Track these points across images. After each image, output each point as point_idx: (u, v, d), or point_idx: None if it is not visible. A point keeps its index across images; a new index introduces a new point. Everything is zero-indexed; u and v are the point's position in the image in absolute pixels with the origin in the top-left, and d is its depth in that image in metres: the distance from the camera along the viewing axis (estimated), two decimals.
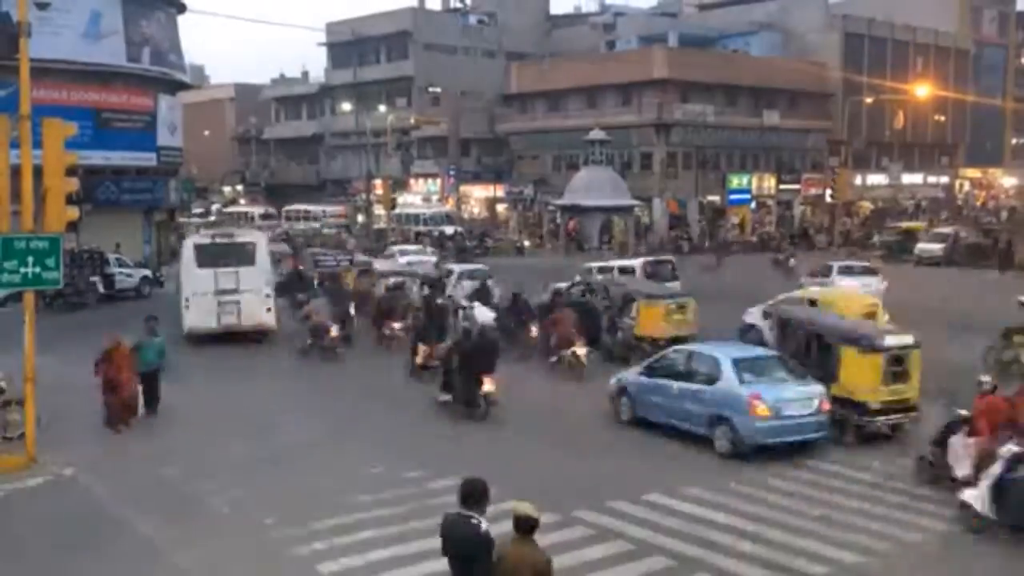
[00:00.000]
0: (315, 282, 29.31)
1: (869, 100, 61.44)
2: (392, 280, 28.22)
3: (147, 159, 44.78)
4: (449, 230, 55.68)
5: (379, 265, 33.45)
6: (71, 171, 14.92)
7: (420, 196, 74.04)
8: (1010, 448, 11.39)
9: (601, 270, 29.26)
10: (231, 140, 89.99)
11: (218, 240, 26.11)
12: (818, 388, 14.78)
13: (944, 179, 78.97)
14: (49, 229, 14.64)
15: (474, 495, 7.12)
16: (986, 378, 13.68)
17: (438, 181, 70.96)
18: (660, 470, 13.97)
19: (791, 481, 13.47)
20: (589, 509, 12.19)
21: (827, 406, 14.70)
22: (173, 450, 15.28)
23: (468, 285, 28.11)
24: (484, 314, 23.35)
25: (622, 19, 76.46)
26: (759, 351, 16.82)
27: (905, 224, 53.04)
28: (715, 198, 63.05)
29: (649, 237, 56.17)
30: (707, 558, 10.71)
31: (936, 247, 42.06)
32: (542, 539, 10.41)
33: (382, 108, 70.65)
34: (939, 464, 12.94)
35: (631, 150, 60.77)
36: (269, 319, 24.94)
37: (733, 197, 63.83)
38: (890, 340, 15.42)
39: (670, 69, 60.62)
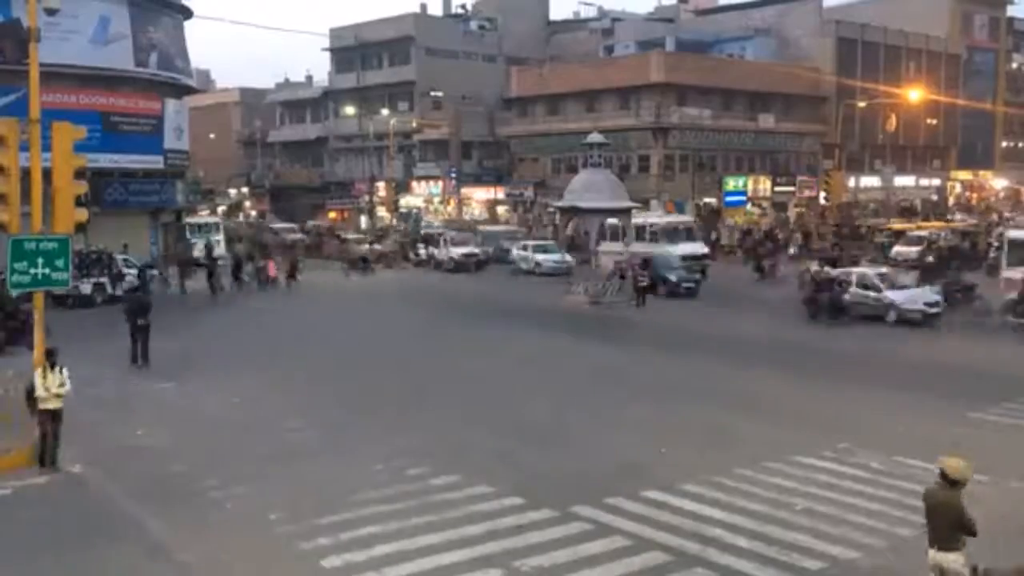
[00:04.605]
0: None
1: (862, 104, 62.11)
2: None
3: (154, 162, 45.48)
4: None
5: None
6: (80, 174, 14.98)
7: (422, 198, 75.21)
8: None
9: None
10: (236, 143, 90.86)
11: None
12: None
13: (936, 181, 79.82)
14: (58, 230, 14.72)
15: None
16: None
17: (440, 183, 71.93)
18: (658, 466, 14.08)
19: (786, 477, 13.52)
20: (587, 504, 12.27)
21: None
22: (179, 447, 15.44)
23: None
24: None
25: (620, 24, 77.19)
26: None
27: (897, 225, 53.69)
28: (711, 200, 64.04)
29: None
30: (704, 554, 10.78)
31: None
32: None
33: (384, 112, 71.70)
34: None
35: (629, 153, 61.52)
36: None
37: (729, 199, 64.85)
38: None
39: (667, 73, 61.47)
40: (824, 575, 10.37)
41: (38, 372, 14.15)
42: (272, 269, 40.60)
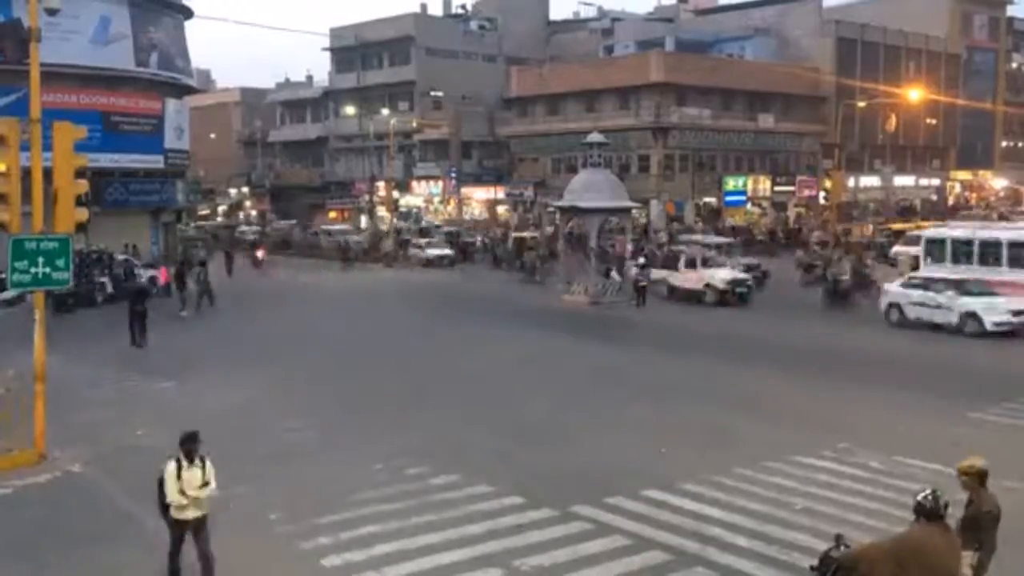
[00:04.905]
0: None
1: (862, 104, 62.11)
2: None
3: (155, 161, 45.60)
4: None
5: None
6: (80, 173, 15.00)
7: (422, 198, 75.26)
8: None
9: None
10: (237, 143, 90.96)
11: None
12: None
13: (935, 181, 79.89)
14: (59, 230, 14.74)
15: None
16: None
17: (440, 183, 71.98)
18: (658, 465, 14.10)
19: (786, 476, 13.56)
20: (587, 504, 12.31)
21: None
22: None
23: None
24: None
25: (620, 24, 77.28)
26: None
27: (897, 225, 53.69)
28: (711, 200, 64.10)
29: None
30: (704, 553, 10.81)
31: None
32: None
33: (385, 112, 71.65)
34: None
35: (629, 153, 61.47)
36: None
37: (729, 199, 64.92)
38: None
39: (667, 73, 61.48)
40: None
41: (170, 467, 9.79)
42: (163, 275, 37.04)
